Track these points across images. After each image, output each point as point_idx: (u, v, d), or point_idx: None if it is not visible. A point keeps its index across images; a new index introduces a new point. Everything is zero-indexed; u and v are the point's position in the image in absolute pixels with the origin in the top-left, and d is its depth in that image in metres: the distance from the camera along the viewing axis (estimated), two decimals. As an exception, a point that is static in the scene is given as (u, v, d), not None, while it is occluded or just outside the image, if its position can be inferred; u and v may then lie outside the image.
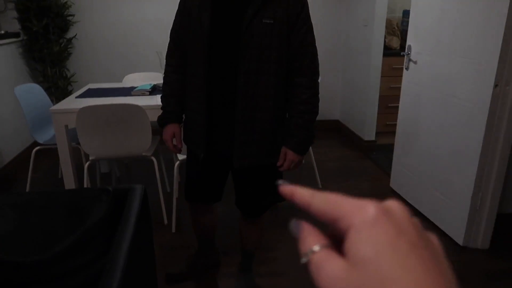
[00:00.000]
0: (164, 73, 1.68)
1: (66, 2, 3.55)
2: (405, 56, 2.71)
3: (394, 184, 2.98)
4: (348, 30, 4.09)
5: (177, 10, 1.58)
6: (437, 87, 2.40)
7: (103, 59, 3.85)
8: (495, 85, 1.99)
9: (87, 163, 2.43)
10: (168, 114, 1.68)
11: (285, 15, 1.40)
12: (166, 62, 1.67)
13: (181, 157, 2.43)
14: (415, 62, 2.63)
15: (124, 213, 1.31)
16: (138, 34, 3.82)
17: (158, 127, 1.73)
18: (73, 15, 3.65)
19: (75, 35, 3.72)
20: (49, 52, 3.54)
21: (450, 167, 2.32)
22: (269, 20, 1.38)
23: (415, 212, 2.68)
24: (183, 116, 1.71)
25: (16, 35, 3.45)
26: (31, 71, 3.68)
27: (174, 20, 1.61)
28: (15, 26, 3.52)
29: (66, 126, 2.41)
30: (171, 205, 2.70)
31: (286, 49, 1.45)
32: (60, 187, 2.85)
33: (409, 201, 2.78)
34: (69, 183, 2.51)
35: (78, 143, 2.42)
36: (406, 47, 2.70)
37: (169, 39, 1.65)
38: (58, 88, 3.70)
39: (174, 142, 1.70)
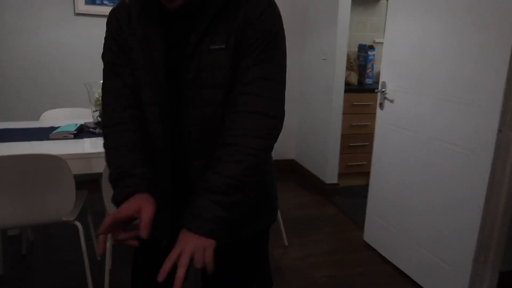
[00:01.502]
0: (105, 122, 1.05)
1: (-32, 21, 2.87)
2: (379, 94, 2.42)
3: (368, 237, 2.61)
4: (305, 63, 3.81)
5: (106, 43, 1.04)
6: (421, 130, 2.10)
7: (16, 91, 3.15)
8: (499, 130, 1.71)
9: (-19, 235, 1.77)
10: (135, 180, 0.95)
11: (240, 37, 0.93)
12: (106, 109, 1.05)
13: (116, 222, 1.85)
14: (391, 101, 2.33)
15: None
16: (61, 63, 3.20)
17: (114, 205, 0.99)
18: (-22, 37, 2.96)
19: (-20, 61, 3.02)
20: None
21: (444, 223, 1.99)
22: (218, 45, 0.92)
23: (399, 273, 2.31)
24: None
25: None
26: None
27: (108, 59, 1.03)
28: None
29: (-49, 184, 1.75)
30: (102, 279, 2.09)
31: None
32: None
33: (390, 259, 2.41)
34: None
35: (-31, 207, 1.76)
36: (380, 83, 2.41)
37: (102, 72, 1.11)
38: (-45, 126, 2.93)
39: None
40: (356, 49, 3.89)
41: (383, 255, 2.46)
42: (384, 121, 2.40)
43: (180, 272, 0.81)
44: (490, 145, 1.73)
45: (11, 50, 3.08)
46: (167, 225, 1.07)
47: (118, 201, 0.94)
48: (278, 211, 2.50)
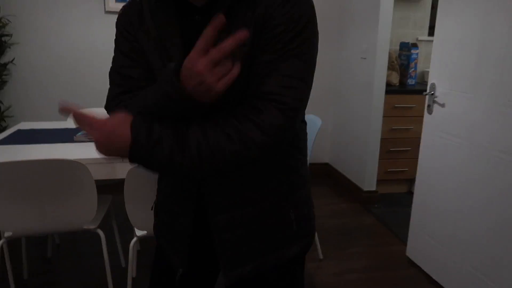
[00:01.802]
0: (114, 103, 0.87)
1: (0, 19, 2.85)
2: (428, 97, 2.19)
3: (412, 253, 2.39)
4: (342, 62, 3.60)
5: (116, 46, 0.90)
6: (478, 139, 1.86)
7: (47, 91, 3.13)
8: None
9: (1, 242, 1.69)
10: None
11: (259, 32, 0.78)
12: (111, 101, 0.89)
13: (139, 232, 1.74)
14: (441, 105, 2.10)
15: None
16: (91, 62, 3.15)
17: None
18: (10, 35, 2.94)
19: (13, 60, 3.00)
20: (-25, 80, 2.80)
21: (504, 247, 1.75)
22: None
23: (446, 295, 2.08)
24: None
25: None
26: (-49, 103, 2.91)
27: (117, 62, 0.89)
28: None
29: (-27, 187, 1.69)
30: (125, 286, 1.99)
31: None
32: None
33: (436, 279, 2.18)
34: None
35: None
36: (429, 85, 2.18)
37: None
38: (-13, 124, 2.94)
39: None
40: (398, 47, 3.64)
41: (429, 274, 2.23)
42: (433, 126, 2.17)
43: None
44: None
45: (41, 48, 3.05)
46: (186, 253, 0.93)
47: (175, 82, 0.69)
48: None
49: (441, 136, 2.11)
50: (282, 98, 0.73)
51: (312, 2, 0.80)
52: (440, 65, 2.11)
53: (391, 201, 3.27)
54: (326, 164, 3.88)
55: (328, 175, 3.84)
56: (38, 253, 2.38)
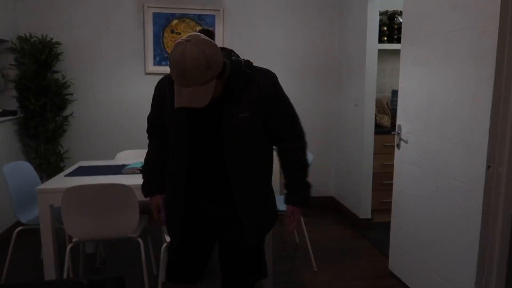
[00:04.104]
0: (147, 152, 1.77)
1: (65, 82, 3.66)
2: (396, 136, 2.74)
3: (393, 266, 2.84)
4: (340, 109, 4.20)
5: (152, 105, 1.67)
6: (430, 167, 2.39)
7: (97, 136, 3.88)
8: (488, 166, 1.97)
9: (70, 245, 2.31)
10: (151, 183, 1.74)
11: (258, 105, 1.50)
12: (148, 141, 1.78)
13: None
14: (406, 142, 2.64)
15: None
16: (133, 115, 3.90)
17: (144, 197, 1.77)
18: (72, 94, 3.74)
19: (72, 113, 3.78)
20: (44, 129, 3.57)
21: (450, 250, 2.22)
22: (245, 114, 1.48)
23: (417, 298, 2.51)
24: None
25: (13, 113, 3.50)
26: (24, 148, 3.68)
27: (152, 113, 1.70)
28: (13, 104, 3.58)
29: (51, 206, 2.34)
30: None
31: (265, 132, 1.57)
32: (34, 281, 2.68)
33: (409, 285, 2.62)
34: (49, 266, 2.37)
35: (62, 223, 2.33)
36: (396, 126, 2.74)
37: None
38: (50, 164, 3.67)
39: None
40: (390, 94, 4.22)
41: (404, 282, 2.67)
42: (401, 159, 2.70)
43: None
44: (481, 179, 1.99)
45: (94, 104, 3.83)
46: (177, 233, 1.62)
47: (144, 195, 1.76)
48: (307, 238, 2.83)
49: (406, 166, 2.64)
50: (299, 131, 1.63)
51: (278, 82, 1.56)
52: (404, 110, 2.68)
53: (385, 227, 3.68)
54: (331, 198, 4.39)
55: (332, 206, 4.34)
56: (89, 265, 2.98)
